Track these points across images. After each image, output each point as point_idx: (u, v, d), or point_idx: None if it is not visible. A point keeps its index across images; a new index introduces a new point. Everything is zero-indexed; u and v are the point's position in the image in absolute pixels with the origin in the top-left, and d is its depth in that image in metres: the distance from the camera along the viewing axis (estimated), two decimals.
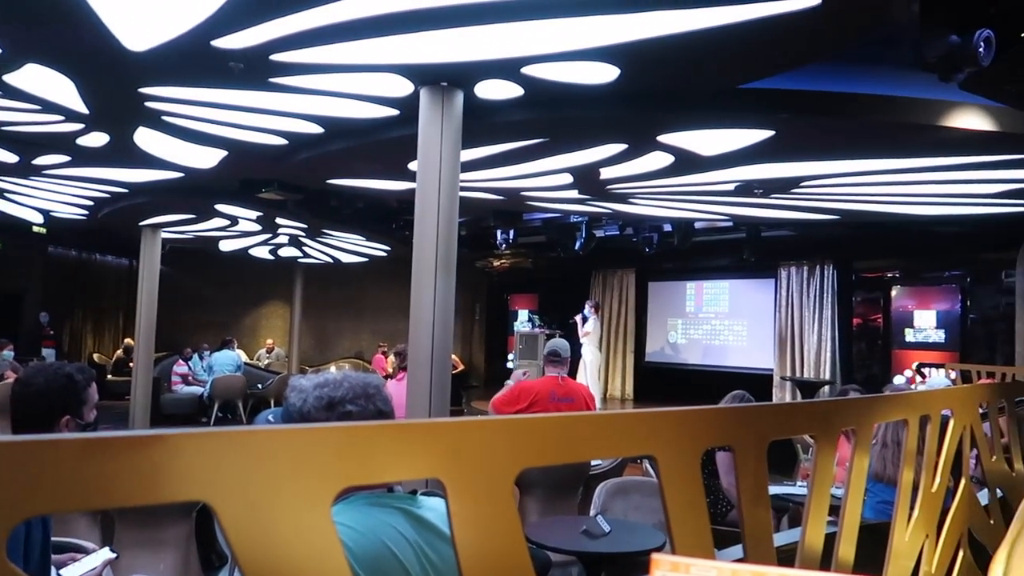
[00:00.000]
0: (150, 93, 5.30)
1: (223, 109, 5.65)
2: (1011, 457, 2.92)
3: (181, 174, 7.99)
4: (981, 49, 3.66)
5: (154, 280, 10.66)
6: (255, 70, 4.68)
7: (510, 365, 12.97)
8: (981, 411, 2.65)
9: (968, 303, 11.25)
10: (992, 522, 2.61)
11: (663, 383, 13.71)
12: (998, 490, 2.76)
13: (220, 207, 9.56)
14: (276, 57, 4.48)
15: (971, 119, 5.17)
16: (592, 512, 3.79)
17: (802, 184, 7.34)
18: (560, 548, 3.19)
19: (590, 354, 10.87)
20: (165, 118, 5.94)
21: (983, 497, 2.70)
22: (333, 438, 0.78)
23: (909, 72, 4.83)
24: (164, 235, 11.19)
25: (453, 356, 14.00)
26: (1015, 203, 8.08)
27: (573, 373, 10.29)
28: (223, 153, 7.06)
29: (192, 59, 4.56)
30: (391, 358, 13.51)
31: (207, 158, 7.25)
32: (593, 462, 4.76)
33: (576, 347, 11.97)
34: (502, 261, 15.37)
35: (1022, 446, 3.12)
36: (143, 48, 4.43)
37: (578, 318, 11.31)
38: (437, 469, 0.86)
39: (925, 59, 3.76)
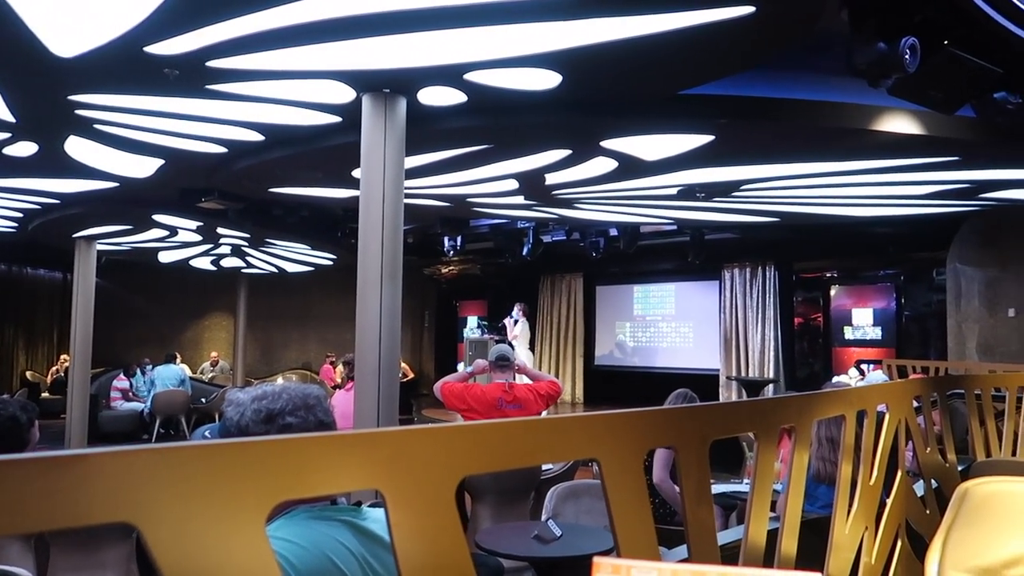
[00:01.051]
0: (80, 100, 5.13)
1: (159, 117, 5.50)
2: (944, 448, 3.02)
3: (116, 184, 7.75)
4: (907, 56, 3.79)
5: (89, 294, 10.30)
6: (191, 77, 4.57)
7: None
8: (916, 405, 2.73)
9: (903, 301, 11.65)
10: (928, 512, 2.70)
11: (612, 386, 13.84)
12: (933, 481, 2.85)
13: (158, 217, 9.31)
14: (213, 63, 4.39)
15: (900, 123, 5.36)
16: (543, 517, 3.79)
17: (743, 187, 7.51)
18: (512, 554, 3.18)
19: (523, 355, 11.01)
20: (97, 126, 5.76)
21: (919, 488, 2.78)
22: (265, 452, 0.76)
23: (841, 78, 4.99)
24: (100, 247, 10.82)
25: (403, 364, 13.88)
26: (944, 204, 8.41)
27: None
28: (160, 162, 6.88)
29: (124, 65, 4.43)
30: (339, 368, 13.33)
31: (143, 167, 7.05)
32: (544, 466, 4.76)
33: None
34: (450, 268, 15.32)
35: (955, 438, 3.23)
36: (71, 54, 4.28)
37: (507, 321, 11.40)
38: (376, 479, 0.84)
39: (855, 65, 3.88)
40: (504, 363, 4.70)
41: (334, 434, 0.84)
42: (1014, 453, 3.73)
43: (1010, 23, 4.08)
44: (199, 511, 0.69)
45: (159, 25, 3.87)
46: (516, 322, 11.38)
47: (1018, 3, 3.94)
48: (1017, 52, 4.33)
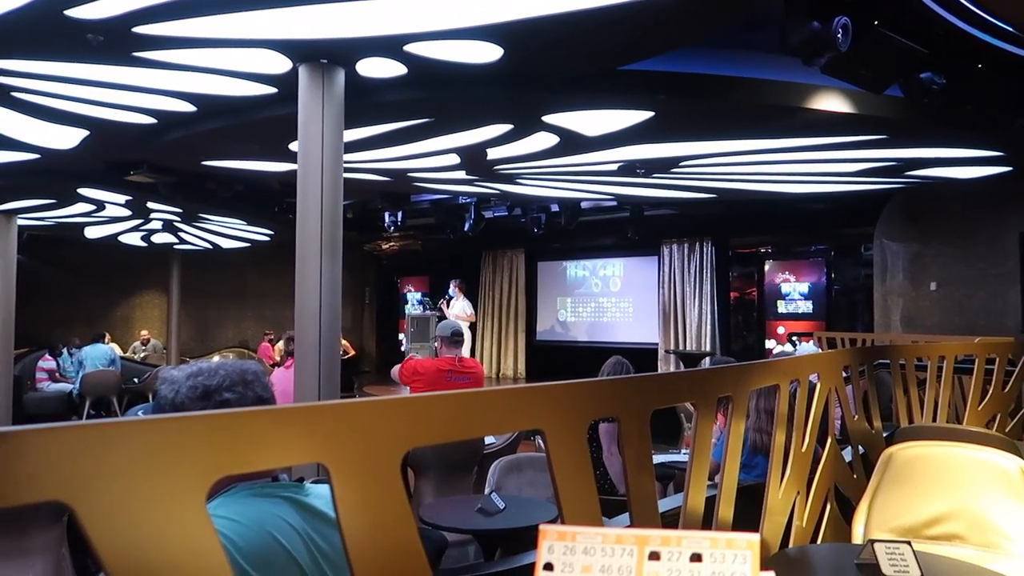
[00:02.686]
0: None
1: (83, 85, 5.26)
2: (871, 415, 3.15)
3: (37, 155, 7.39)
4: (839, 35, 3.89)
5: (10, 271, 9.87)
6: (116, 43, 4.37)
7: (404, 348, 12.67)
8: (844, 375, 2.84)
9: (832, 275, 12.05)
10: (855, 476, 2.81)
11: (554, 361, 13.95)
12: (860, 447, 2.98)
13: (84, 191, 8.93)
14: (140, 29, 4.20)
15: (832, 102, 5.50)
16: (487, 490, 3.81)
17: (681, 164, 7.61)
18: (455, 528, 3.20)
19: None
20: (15, 94, 5.47)
21: (847, 454, 2.90)
22: (204, 426, 0.74)
23: (777, 56, 5.09)
24: (21, 222, 10.37)
25: (344, 341, 13.67)
26: (872, 181, 8.70)
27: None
28: (84, 133, 6.58)
29: (43, 30, 4.21)
30: (278, 346, 13.06)
31: (66, 138, 6.74)
32: (487, 440, 4.79)
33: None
34: (391, 244, 15.16)
35: (880, 405, 3.37)
36: None
37: (444, 301, 11.31)
38: (319, 453, 0.83)
39: (789, 43, 3.96)
40: (459, 338, 4.73)
41: (276, 408, 0.82)
42: (935, 419, 3.92)
43: (935, 4, 4.22)
44: (137, 489, 0.67)
45: None
46: (451, 300, 11.27)
47: None
48: (942, 34, 4.48)
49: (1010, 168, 7.67)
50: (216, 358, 14.00)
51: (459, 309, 11.27)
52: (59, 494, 0.62)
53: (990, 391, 4.31)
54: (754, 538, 0.71)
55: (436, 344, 4.85)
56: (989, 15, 4.45)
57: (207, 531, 0.72)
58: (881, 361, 3.75)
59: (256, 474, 1.30)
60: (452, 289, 11.50)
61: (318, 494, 1.39)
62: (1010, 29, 4.64)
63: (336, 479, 0.83)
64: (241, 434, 0.77)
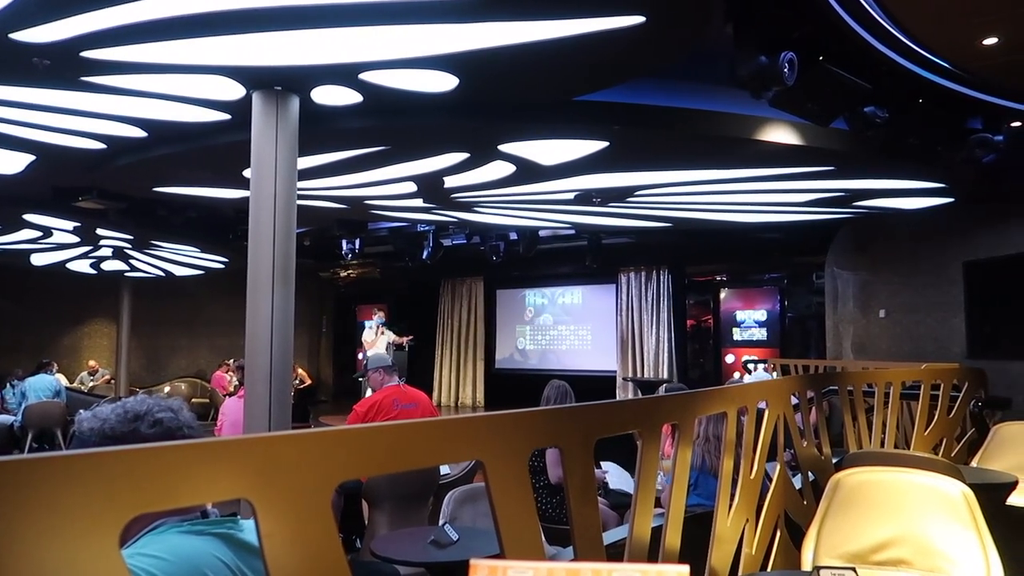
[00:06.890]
0: None
1: (29, 109, 5.14)
2: (820, 442, 3.19)
3: None
4: (786, 69, 4.00)
5: None
6: (64, 67, 4.29)
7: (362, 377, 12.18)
8: (794, 402, 2.87)
9: (786, 303, 12.27)
10: (805, 503, 2.84)
11: (512, 389, 13.91)
12: (810, 473, 3.01)
13: (29, 217, 8.69)
14: (88, 54, 4.13)
15: (781, 134, 5.65)
16: (441, 521, 3.76)
17: (637, 193, 7.72)
18: (407, 560, 3.14)
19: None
20: None
21: (797, 481, 2.92)
22: (117, 462, 0.71)
23: (728, 89, 5.21)
24: None
25: (301, 371, 13.37)
26: (822, 211, 8.92)
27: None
28: (31, 158, 6.42)
29: None
30: (228, 375, 12.75)
31: (11, 163, 6.57)
32: (443, 470, 4.74)
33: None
34: (349, 272, 15.04)
35: (830, 432, 3.42)
36: None
37: (388, 336, 10.80)
38: (245, 488, 0.80)
39: (738, 77, 4.07)
40: (395, 367, 4.75)
41: (199, 442, 0.79)
42: (883, 444, 3.99)
43: (876, 41, 4.38)
44: (40, 529, 0.64)
45: (26, 11, 3.62)
46: (376, 327, 10.77)
47: (884, 23, 4.22)
48: (884, 69, 4.65)
49: (952, 199, 7.94)
50: (167, 389, 13.69)
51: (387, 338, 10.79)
52: None
53: (936, 416, 4.41)
54: (684, 569, 0.70)
55: (377, 376, 4.77)
56: (927, 51, 4.63)
57: (120, 573, 0.68)
58: (831, 388, 3.81)
59: (184, 510, 1.26)
60: (377, 316, 11.04)
61: (252, 529, 1.35)
62: (947, 65, 4.83)
63: (262, 515, 0.80)
64: (162, 470, 0.74)
